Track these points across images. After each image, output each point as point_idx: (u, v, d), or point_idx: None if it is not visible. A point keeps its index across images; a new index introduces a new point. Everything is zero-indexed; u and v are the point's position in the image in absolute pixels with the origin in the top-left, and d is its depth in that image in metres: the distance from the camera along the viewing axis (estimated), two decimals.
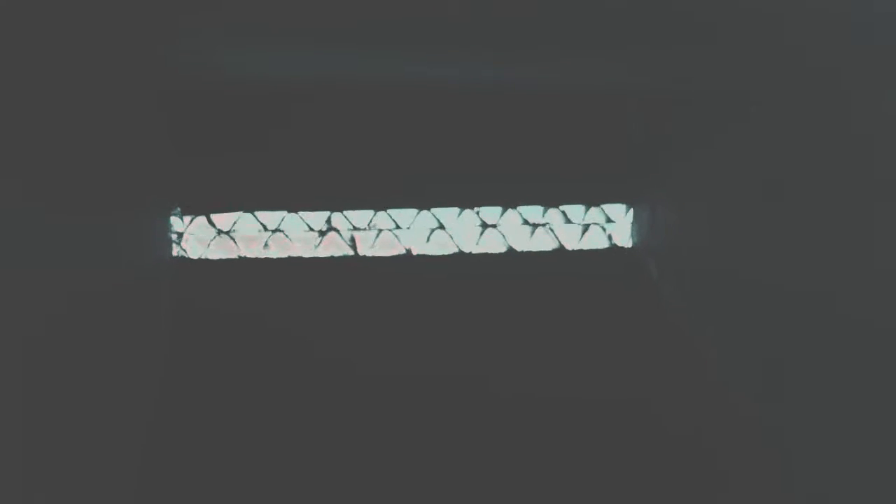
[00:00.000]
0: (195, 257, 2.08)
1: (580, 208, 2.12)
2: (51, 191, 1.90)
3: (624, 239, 2.16)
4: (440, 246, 2.12)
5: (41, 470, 1.50)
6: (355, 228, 2.12)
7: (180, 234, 2.08)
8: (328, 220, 2.11)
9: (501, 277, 2.10)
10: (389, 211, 2.12)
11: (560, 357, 2.02)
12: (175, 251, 2.09)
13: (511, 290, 2.09)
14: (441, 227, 2.12)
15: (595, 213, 2.13)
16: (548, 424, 1.93)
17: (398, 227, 2.12)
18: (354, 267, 2.12)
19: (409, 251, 2.13)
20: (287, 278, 2.09)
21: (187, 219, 2.07)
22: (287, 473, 1.87)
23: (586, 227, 2.13)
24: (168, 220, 2.08)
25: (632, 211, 2.14)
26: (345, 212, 2.11)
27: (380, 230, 2.12)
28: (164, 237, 2.09)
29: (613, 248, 2.15)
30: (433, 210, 2.12)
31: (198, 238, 2.08)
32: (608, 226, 2.14)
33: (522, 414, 1.96)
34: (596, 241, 2.14)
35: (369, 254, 2.12)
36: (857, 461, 1.63)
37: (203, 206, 2.07)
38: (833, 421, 1.68)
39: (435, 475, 1.82)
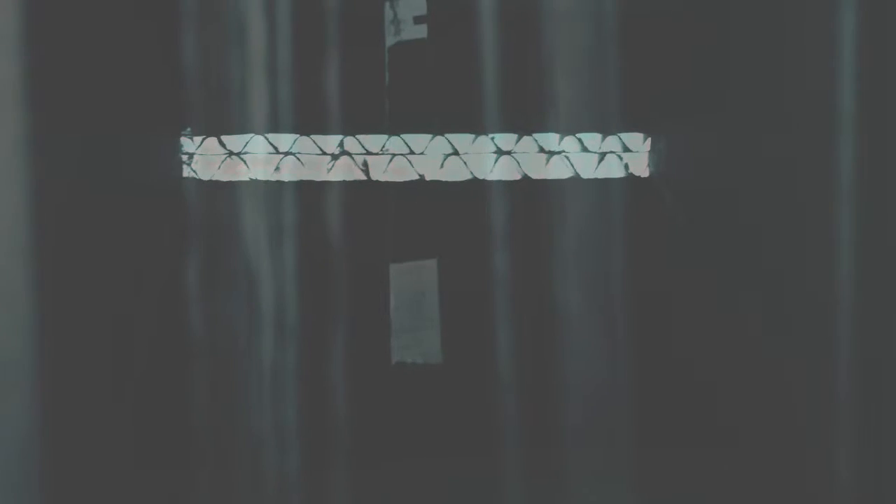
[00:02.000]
0: (205, 178, 2.07)
1: (597, 136, 2.09)
2: (60, 107, 1.89)
3: (641, 168, 2.12)
4: (454, 172, 2.09)
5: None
6: (368, 153, 2.09)
7: (191, 155, 2.07)
8: (340, 144, 2.09)
9: (515, 204, 2.06)
10: (403, 136, 2.09)
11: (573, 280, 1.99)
12: (185, 172, 2.07)
13: (525, 216, 2.05)
14: (455, 153, 2.09)
15: (612, 142, 2.10)
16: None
17: (412, 152, 2.09)
18: (367, 191, 2.09)
19: (422, 177, 2.10)
20: (298, 201, 2.06)
21: (198, 139, 2.06)
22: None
23: (603, 156, 2.10)
24: (178, 141, 2.07)
25: (649, 140, 2.10)
26: (358, 136, 2.09)
27: (393, 155, 2.09)
28: (173, 157, 2.08)
29: (630, 178, 2.11)
30: (447, 135, 2.09)
31: (208, 159, 2.07)
32: (625, 155, 2.10)
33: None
34: (612, 169, 2.10)
35: (382, 179, 2.09)
36: None
37: (214, 126, 2.05)
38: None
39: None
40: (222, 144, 2.06)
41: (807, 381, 1.79)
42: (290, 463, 1.76)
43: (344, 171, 2.08)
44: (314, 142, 2.07)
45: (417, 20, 2.10)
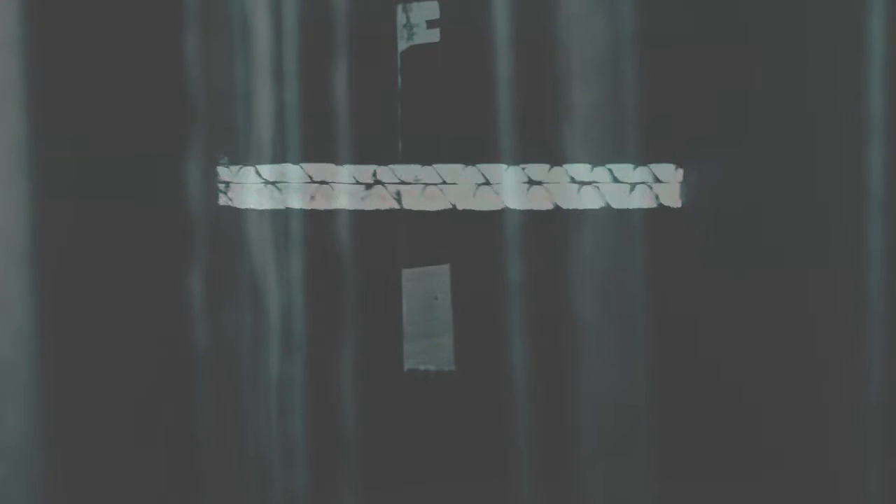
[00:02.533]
0: (241, 207, 2.10)
1: (628, 167, 2.11)
2: (102, 132, 1.93)
3: (672, 199, 2.13)
4: (486, 202, 2.11)
5: None
6: (401, 182, 2.12)
7: (227, 184, 2.10)
8: (374, 174, 2.11)
9: (547, 233, 2.08)
10: (435, 165, 2.12)
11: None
12: (221, 200, 2.11)
13: (556, 246, 2.07)
14: (487, 182, 2.11)
15: (643, 172, 2.11)
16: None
17: (444, 182, 2.12)
18: (399, 220, 2.11)
19: (454, 206, 2.12)
20: (332, 229, 2.09)
21: (234, 168, 2.09)
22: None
23: (634, 187, 2.11)
24: (215, 170, 2.10)
25: (681, 171, 2.12)
26: (391, 165, 2.11)
27: (425, 184, 2.12)
28: (210, 186, 2.11)
29: (661, 208, 2.12)
30: (479, 165, 2.11)
31: (244, 188, 2.10)
32: (656, 185, 2.12)
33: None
34: (643, 200, 2.12)
35: (415, 208, 2.12)
36: None
37: (250, 156, 2.09)
38: None
39: None
40: (258, 174, 2.09)
41: (843, 412, 1.79)
42: (298, 478, 1.77)
43: (377, 201, 2.11)
44: (348, 171, 2.10)
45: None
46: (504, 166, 2.10)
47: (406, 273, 2.10)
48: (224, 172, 2.10)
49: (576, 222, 2.09)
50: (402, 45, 2.09)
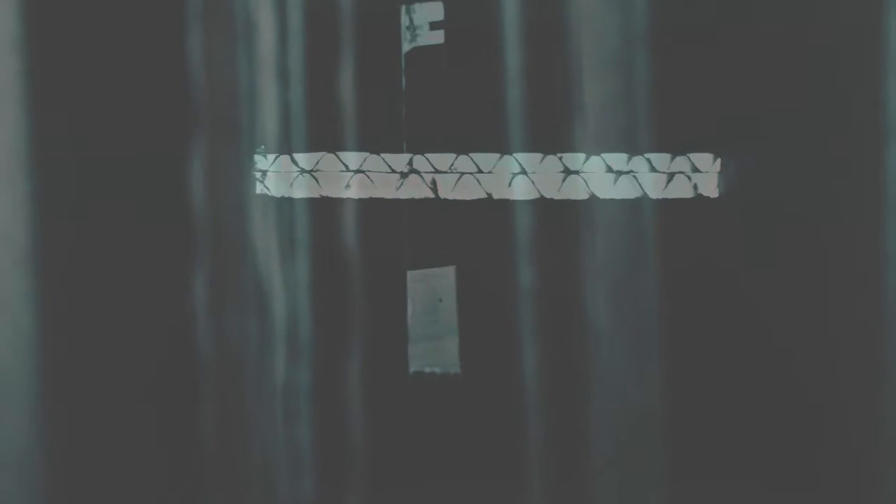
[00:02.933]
0: (278, 195, 2.11)
1: (665, 156, 2.08)
2: (138, 122, 1.95)
3: (710, 189, 2.10)
4: (521, 191, 2.10)
5: None
6: (436, 171, 2.12)
7: (264, 172, 2.11)
8: (410, 162, 2.11)
9: (583, 223, 2.06)
10: (471, 154, 2.11)
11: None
12: (258, 189, 2.12)
13: (592, 235, 2.06)
14: (523, 171, 2.10)
15: (681, 162, 2.09)
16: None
17: (480, 170, 2.11)
18: (435, 209, 2.12)
19: (490, 195, 2.11)
20: (367, 218, 2.10)
21: (271, 157, 2.11)
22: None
23: (671, 176, 2.09)
24: (252, 158, 2.12)
25: (719, 160, 2.09)
26: (426, 154, 2.11)
27: (461, 173, 2.11)
28: (248, 174, 2.13)
29: (699, 198, 2.10)
30: (515, 154, 2.10)
31: (281, 176, 2.11)
32: (694, 175, 2.09)
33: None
34: (681, 190, 2.09)
35: (450, 197, 2.12)
36: None
37: (287, 144, 2.10)
38: None
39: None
40: (294, 162, 2.10)
41: (871, 419, 1.76)
42: (304, 481, 1.77)
43: (413, 189, 2.11)
44: (384, 160, 2.11)
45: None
46: (540, 155, 2.09)
47: (411, 275, 2.10)
48: (261, 161, 2.11)
49: (612, 212, 2.08)
50: (406, 47, 2.08)
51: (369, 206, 2.09)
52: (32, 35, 1.49)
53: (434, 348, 2.04)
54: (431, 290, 2.09)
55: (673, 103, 2.04)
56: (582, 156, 2.08)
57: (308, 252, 1.92)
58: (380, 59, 2.03)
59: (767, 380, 2.03)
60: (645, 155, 2.07)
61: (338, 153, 2.10)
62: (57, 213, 1.58)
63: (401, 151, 2.06)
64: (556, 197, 2.09)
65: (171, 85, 1.87)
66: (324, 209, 2.08)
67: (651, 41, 2.04)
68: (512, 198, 2.09)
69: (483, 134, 2.09)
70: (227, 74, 1.91)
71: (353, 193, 2.11)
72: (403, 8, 2.08)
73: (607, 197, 2.08)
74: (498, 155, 2.11)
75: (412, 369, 2.06)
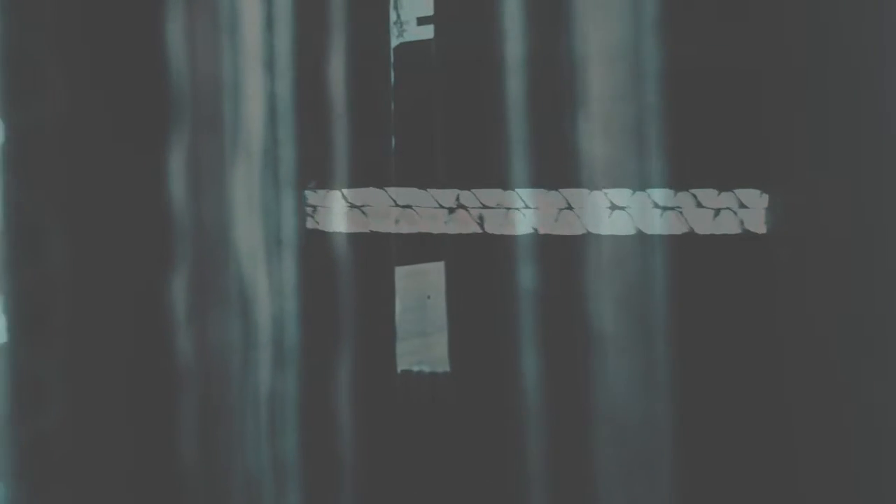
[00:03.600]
0: (328, 230, 2.15)
1: (712, 192, 2.08)
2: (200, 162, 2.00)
3: (757, 224, 2.10)
4: (568, 226, 2.11)
5: None
6: (484, 206, 2.14)
7: (314, 207, 2.15)
8: (457, 198, 2.14)
9: (629, 258, 2.07)
10: (517, 189, 2.13)
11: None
12: (309, 224, 2.16)
13: (639, 271, 2.06)
14: (569, 207, 2.11)
15: (727, 197, 2.09)
16: None
17: (526, 206, 2.13)
18: (482, 244, 2.13)
19: (536, 230, 2.13)
20: (415, 253, 2.12)
21: (321, 192, 2.15)
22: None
23: (718, 212, 2.09)
24: (304, 193, 2.16)
25: (766, 196, 2.09)
26: (473, 190, 2.14)
27: (507, 209, 2.14)
28: (299, 210, 2.17)
29: (746, 234, 2.09)
30: (561, 190, 2.12)
31: (331, 211, 2.15)
32: (741, 211, 2.09)
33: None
34: (727, 225, 2.09)
35: (497, 232, 2.14)
36: None
37: (337, 180, 2.14)
38: None
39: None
40: (344, 198, 2.14)
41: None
42: (291, 492, 1.75)
43: (460, 225, 2.14)
44: (431, 195, 2.14)
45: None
46: (586, 191, 2.11)
47: (399, 271, 2.10)
48: (311, 196, 2.16)
49: (658, 247, 2.08)
50: (394, 42, 2.10)
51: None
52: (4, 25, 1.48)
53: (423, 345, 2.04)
54: (419, 286, 2.09)
55: (720, 139, 2.04)
56: (628, 191, 2.09)
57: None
58: (419, 95, 2.06)
59: (817, 416, 2.01)
60: (691, 190, 2.08)
61: (387, 188, 2.13)
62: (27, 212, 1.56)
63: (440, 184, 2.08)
64: (602, 232, 2.11)
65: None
66: (373, 243, 2.11)
67: (697, 77, 2.05)
68: (559, 233, 2.11)
69: (532, 170, 2.12)
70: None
71: (401, 228, 2.14)
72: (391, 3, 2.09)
73: (654, 233, 2.09)
74: (544, 190, 2.13)
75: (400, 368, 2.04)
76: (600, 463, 1.82)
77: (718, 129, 2.05)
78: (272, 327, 2.01)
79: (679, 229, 2.08)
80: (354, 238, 1.99)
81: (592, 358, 2.03)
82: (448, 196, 2.15)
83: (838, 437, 1.85)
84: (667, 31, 2.06)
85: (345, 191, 2.14)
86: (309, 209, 2.17)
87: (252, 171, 1.89)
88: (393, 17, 2.05)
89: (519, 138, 2.01)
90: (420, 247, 2.11)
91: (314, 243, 2.14)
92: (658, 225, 2.09)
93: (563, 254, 2.12)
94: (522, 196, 2.14)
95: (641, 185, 2.08)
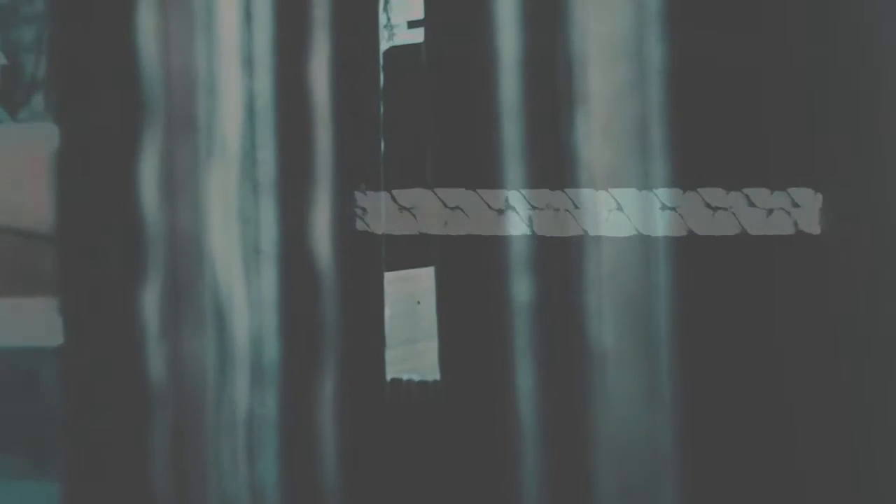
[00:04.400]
0: (378, 232, 2.16)
1: (765, 191, 2.05)
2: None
3: (811, 225, 2.06)
4: (618, 227, 2.09)
5: None
6: (533, 207, 2.13)
7: (364, 209, 2.16)
8: (506, 199, 2.13)
9: (680, 260, 2.04)
10: (566, 190, 2.12)
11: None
12: (359, 226, 2.17)
13: (690, 273, 2.03)
14: (619, 208, 2.09)
15: (780, 197, 2.05)
16: None
17: (576, 206, 2.12)
18: (531, 245, 2.13)
19: (585, 232, 2.11)
20: (464, 254, 2.12)
21: (371, 194, 2.16)
22: None
23: (770, 212, 2.05)
24: (353, 196, 2.18)
25: (820, 196, 2.04)
26: (522, 190, 2.13)
27: (557, 209, 2.12)
28: (349, 212, 2.19)
29: (799, 234, 2.05)
30: (611, 190, 2.10)
31: (381, 213, 2.16)
32: (794, 210, 2.05)
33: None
34: (781, 226, 2.05)
35: (546, 233, 2.13)
36: None
37: (387, 182, 2.15)
38: None
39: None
40: (394, 199, 2.15)
41: None
42: None
43: (509, 226, 2.13)
44: (480, 196, 2.13)
45: None
46: (636, 191, 2.09)
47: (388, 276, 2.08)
48: (361, 198, 2.17)
49: (711, 248, 2.05)
50: (384, 46, 2.09)
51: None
52: None
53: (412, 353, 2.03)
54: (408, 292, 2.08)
55: (771, 138, 2.01)
56: (679, 191, 2.06)
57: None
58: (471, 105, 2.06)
59: (879, 420, 1.97)
60: (743, 190, 2.05)
61: (435, 189, 2.14)
62: None
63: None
64: (653, 234, 2.08)
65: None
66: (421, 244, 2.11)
67: (749, 76, 2.02)
68: (607, 234, 2.09)
69: (582, 171, 2.10)
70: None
71: (450, 230, 2.14)
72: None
73: (705, 234, 2.06)
74: (593, 190, 2.11)
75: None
76: (601, 484, 1.80)
77: (769, 127, 2.01)
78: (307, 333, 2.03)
79: (732, 230, 2.05)
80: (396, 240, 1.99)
81: (595, 370, 2.01)
82: (497, 197, 2.14)
83: None
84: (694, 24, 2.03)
85: (394, 192, 2.15)
86: (359, 211, 2.18)
87: (230, 176, 1.84)
88: (383, 20, 2.03)
89: (518, 140, 2.00)
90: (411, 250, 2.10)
91: (363, 245, 2.15)
92: (710, 225, 2.06)
93: (614, 255, 2.10)
94: (571, 196, 2.12)
95: (691, 184, 2.06)
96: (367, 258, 2.11)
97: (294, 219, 1.99)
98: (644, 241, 2.08)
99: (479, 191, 2.14)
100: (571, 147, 2.09)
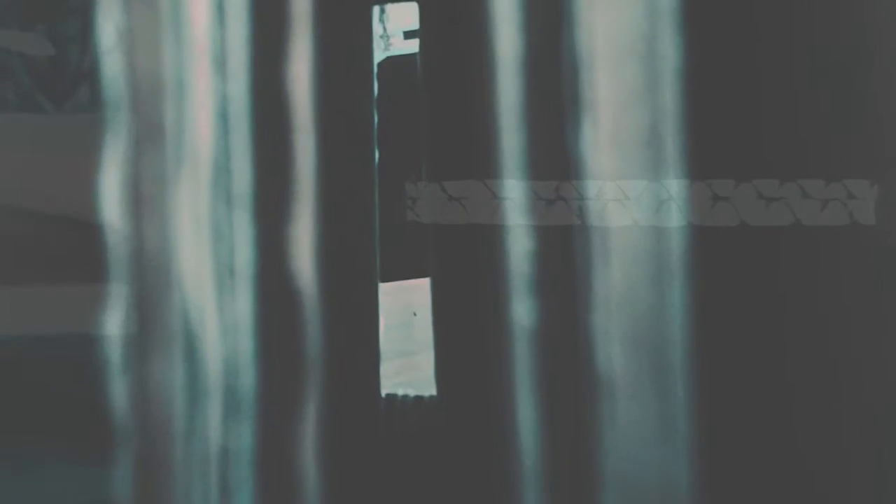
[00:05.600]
0: (427, 222, 2.15)
1: (820, 182, 2.02)
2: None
3: (867, 216, 2.03)
4: (669, 218, 2.08)
5: None
6: (583, 198, 2.12)
7: (414, 200, 2.16)
8: (556, 189, 2.12)
9: (733, 252, 2.02)
10: (618, 181, 2.10)
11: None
12: (409, 216, 2.17)
13: (743, 265, 2.01)
14: (670, 198, 2.08)
15: (835, 188, 2.03)
16: None
17: (626, 197, 2.10)
18: (581, 236, 2.11)
19: (636, 222, 2.10)
20: (513, 244, 2.11)
21: (421, 185, 2.15)
22: None
23: (826, 203, 2.03)
24: (403, 186, 2.17)
25: (877, 186, 2.02)
26: (573, 181, 2.12)
27: (607, 201, 2.11)
28: (399, 202, 2.18)
29: (854, 225, 2.02)
30: (662, 181, 2.08)
31: (430, 204, 2.16)
32: (849, 202, 2.02)
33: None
34: (836, 217, 2.03)
35: (597, 224, 2.11)
36: None
37: (436, 173, 2.14)
38: None
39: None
40: (444, 190, 2.14)
41: None
42: None
43: (559, 217, 2.12)
44: (531, 187, 2.12)
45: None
46: (687, 181, 2.07)
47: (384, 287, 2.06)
48: (411, 189, 2.16)
49: (763, 239, 2.03)
50: (379, 56, 2.07)
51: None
52: None
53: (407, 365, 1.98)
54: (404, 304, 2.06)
55: (827, 129, 1.98)
56: (731, 182, 2.04)
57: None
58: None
59: None
60: (797, 181, 2.02)
61: (485, 181, 2.13)
62: None
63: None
64: (706, 224, 2.06)
65: None
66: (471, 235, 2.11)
67: (808, 69, 2.00)
68: (659, 224, 2.08)
69: (637, 162, 2.09)
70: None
71: (500, 220, 2.13)
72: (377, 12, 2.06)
73: (758, 224, 2.04)
74: (645, 182, 2.10)
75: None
76: (608, 484, 1.79)
77: (822, 119, 1.99)
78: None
79: (785, 220, 2.03)
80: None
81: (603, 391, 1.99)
82: (547, 188, 2.13)
83: None
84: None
85: (445, 183, 2.14)
86: (409, 201, 2.18)
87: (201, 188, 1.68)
88: (379, 30, 2.00)
89: (521, 145, 1.98)
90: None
91: (414, 235, 2.15)
92: (764, 216, 2.04)
93: (657, 246, 2.08)
94: (622, 187, 2.11)
95: (744, 175, 2.04)
96: (415, 249, 2.11)
97: (272, 235, 1.86)
98: (693, 231, 2.07)
99: (529, 181, 2.13)
100: (576, 152, 2.08)
